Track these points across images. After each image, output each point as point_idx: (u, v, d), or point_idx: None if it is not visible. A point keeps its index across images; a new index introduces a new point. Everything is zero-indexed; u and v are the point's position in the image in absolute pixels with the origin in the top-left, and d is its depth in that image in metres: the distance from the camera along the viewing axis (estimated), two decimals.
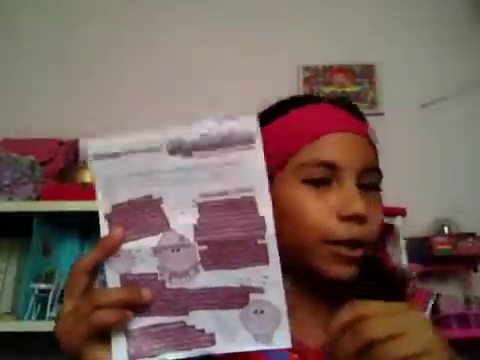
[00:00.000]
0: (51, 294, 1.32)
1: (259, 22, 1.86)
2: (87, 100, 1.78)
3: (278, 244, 0.51)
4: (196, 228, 0.46)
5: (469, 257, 1.50)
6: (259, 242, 0.46)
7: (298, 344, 0.58)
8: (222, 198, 0.46)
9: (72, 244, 1.50)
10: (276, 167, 0.60)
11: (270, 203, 0.46)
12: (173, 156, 0.47)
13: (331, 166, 0.58)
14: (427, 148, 1.75)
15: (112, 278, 0.47)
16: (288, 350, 0.54)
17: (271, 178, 0.57)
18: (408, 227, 1.46)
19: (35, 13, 1.89)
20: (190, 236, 0.46)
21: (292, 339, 0.52)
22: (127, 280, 0.46)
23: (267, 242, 0.46)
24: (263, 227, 0.46)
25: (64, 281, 1.39)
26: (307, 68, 1.83)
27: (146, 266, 0.46)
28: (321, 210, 0.57)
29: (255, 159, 0.46)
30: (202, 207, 0.46)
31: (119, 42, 1.84)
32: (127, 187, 0.47)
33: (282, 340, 0.46)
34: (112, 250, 0.46)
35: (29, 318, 1.29)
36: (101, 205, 0.47)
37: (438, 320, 1.40)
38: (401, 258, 1.36)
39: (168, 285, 0.46)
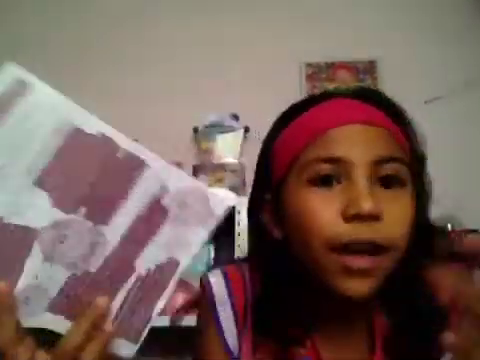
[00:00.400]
0: None
1: (261, 19, 1.85)
2: (87, 98, 1.78)
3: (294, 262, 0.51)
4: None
5: (472, 254, 1.50)
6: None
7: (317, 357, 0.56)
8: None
9: None
10: (283, 176, 0.56)
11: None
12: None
13: (337, 161, 0.52)
14: (430, 145, 1.74)
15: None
16: None
17: (279, 191, 0.56)
18: None
19: (36, 12, 1.89)
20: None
21: (317, 354, 0.52)
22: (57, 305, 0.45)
23: None
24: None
25: None
26: (309, 65, 1.83)
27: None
28: (326, 211, 0.51)
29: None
30: None
31: (119, 41, 1.84)
32: None
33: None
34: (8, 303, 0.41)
35: None
36: None
37: None
38: None
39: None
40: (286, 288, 0.57)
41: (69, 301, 0.44)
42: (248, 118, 1.67)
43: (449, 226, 1.61)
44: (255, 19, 1.85)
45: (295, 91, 1.74)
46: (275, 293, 0.57)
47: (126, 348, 0.47)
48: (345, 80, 1.82)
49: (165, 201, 0.46)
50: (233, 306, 0.60)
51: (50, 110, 0.46)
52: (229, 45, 1.83)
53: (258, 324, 0.58)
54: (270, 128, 0.63)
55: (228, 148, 1.58)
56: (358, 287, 0.49)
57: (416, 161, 0.58)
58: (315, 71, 1.82)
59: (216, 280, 0.62)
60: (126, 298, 0.46)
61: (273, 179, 0.58)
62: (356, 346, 0.57)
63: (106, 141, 0.45)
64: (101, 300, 0.43)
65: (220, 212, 0.48)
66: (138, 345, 0.47)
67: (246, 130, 1.65)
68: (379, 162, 0.52)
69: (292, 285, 0.57)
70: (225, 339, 0.59)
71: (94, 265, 0.45)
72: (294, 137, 0.56)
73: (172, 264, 0.47)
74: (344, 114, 0.55)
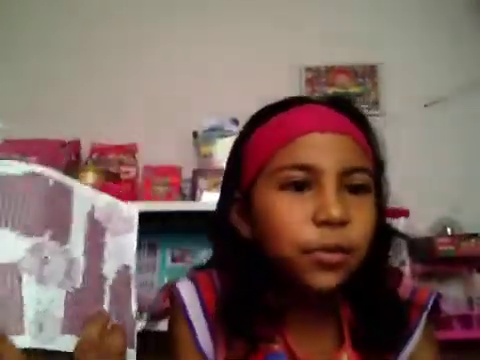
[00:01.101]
0: None
1: (261, 23, 1.86)
2: (89, 101, 1.78)
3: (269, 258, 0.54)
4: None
5: (472, 258, 1.50)
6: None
7: (291, 354, 0.59)
8: None
9: None
10: (254, 178, 0.58)
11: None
12: None
13: (307, 169, 0.54)
14: (430, 148, 1.74)
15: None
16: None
17: (249, 192, 0.59)
18: (411, 228, 1.46)
19: (38, 14, 1.89)
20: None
21: (289, 349, 0.55)
22: None
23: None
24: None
25: None
26: (309, 69, 1.83)
27: None
28: (296, 216, 0.53)
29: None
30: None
31: (120, 43, 1.84)
32: None
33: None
34: None
35: None
36: None
37: (440, 321, 1.39)
38: (404, 259, 1.36)
39: None
40: (255, 286, 0.59)
41: (74, 319, 0.45)
42: None
43: (449, 230, 1.61)
44: (255, 22, 1.86)
45: (295, 95, 1.74)
46: (244, 291, 0.59)
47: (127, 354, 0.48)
48: (345, 84, 1.82)
49: (97, 216, 0.50)
50: (204, 308, 0.62)
51: None
52: (228, 48, 1.83)
53: (229, 323, 0.59)
54: (242, 127, 0.65)
55: (228, 152, 1.58)
56: (327, 280, 0.53)
57: (377, 166, 0.61)
58: (315, 75, 1.82)
59: (184, 285, 0.64)
60: (110, 307, 0.49)
61: (243, 179, 0.60)
62: (326, 338, 0.61)
63: (36, 177, 0.47)
64: (102, 311, 0.47)
65: (135, 218, 0.54)
66: (135, 349, 0.50)
67: None
68: (347, 171, 0.55)
69: (261, 282, 0.59)
70: (198, 341, 0.61)
71: (77, 281, 0.47)
72: (266, 140, 0.58)
73: (126, 269, 0.52)
74: (315, 121, 0.57)
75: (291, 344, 0.59)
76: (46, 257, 0.44)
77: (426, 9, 1.87)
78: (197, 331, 0.61)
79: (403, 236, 0.64)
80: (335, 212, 0.51)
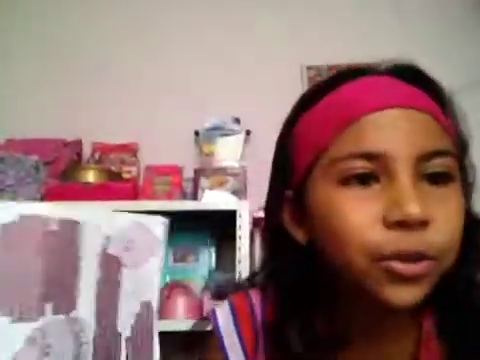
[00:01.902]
0: None
1: (262, 22, 1.86)
2: (90, 101, 1.78)
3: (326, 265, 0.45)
4: None
5: None
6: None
7: None
8: None
9: None
10: (307, 172, 0.48)
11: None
12: None
13: (375, 157, 0.43)
14: None
15: None
16: None
17: (303, 190, 0.48)
18: None
19: (38, 14, 1.89)
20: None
21: None
22: None
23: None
24: None
25: None
26: (311, 68, 1.83)
27: None
28: (363, 216, 0.43)
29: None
30: None
31: (121, 44, 1.84)
32: None
33: None
34: None
35: None
36: None
37: None
38: None
39: None
40: (312, 300, 0.50)
41: None
42: (249, 121, 1.67)
43: None
44: (256, 22, 1.85)
45: (296, 94, 1.73)
46: (298, 307, 0.50)
47: None
48: None
49: (112, 250, 0.43)
50: (240, 334, 0.55)
51: None
52: (230, 47, 1.83)
53: (277, 347, 0.51)
54: (290, 111, 0.54)
55: (229, 151, 1.58)
56: (407, 295, 0.42)
57: (460, 148, 0.49)
58: (316, 74, 1.82)
59: (222, 311, 0.57)
60: None
61: (295, 174, 0.50)
62: (396, 356, 0.50)
63: (31, 221, 0.39)
64: None
65: (160, 233, 0.45)
66: None
67: (247, 133, 1.65)
68: (426, 156, 0.43)
69: (319, 295, 0.50)
70: None
71: (87, 357, 0.41)
72: (320, 124, 0.47)
73: (147, 307, 0.45)
74: (382, 96, 0.46)
75: None
76: (47, 344, 0.38)
77: (427, 8, 1.87)
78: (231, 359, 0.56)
79: None
80: (413, 209, 0.40)
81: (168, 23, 1.86)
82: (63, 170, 1.49)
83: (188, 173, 1.61)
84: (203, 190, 1.48)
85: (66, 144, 1.63)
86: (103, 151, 1.66)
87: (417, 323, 0.50)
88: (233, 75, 1.79)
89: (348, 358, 0.50)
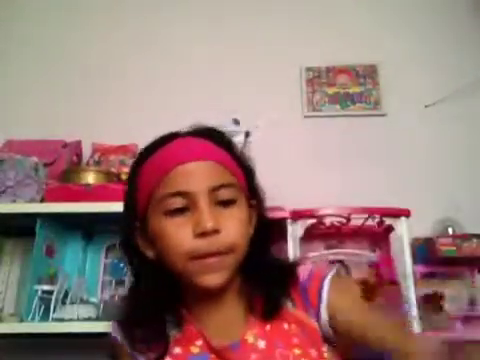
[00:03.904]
0: (54, 295, 1.32)
1: (261, 23, 1.86)
2: (90, 101, 1.78)
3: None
4: None
5: (473, 258, 1.49)
6: None
7: (209, 346, 0.69)
8: None
9: (76, 245, 1.50)
10: (145, 208, 0.69)
11: None
12: None
13: (184, 194, 0.66)
14: (431, 148, 1.74)
15: None
16: (206, 353, 0.68)
17: (145, 221, 0.69)
18: (412, 228, 1.46)
19: (38, 15, 1.89)
20: None
21: (207, 343, 0.66)
22: None
23: None
24: None
25: (67, 282, 1.40)
26: (310, 69, 1.83)
27: None
28: (182, 235, 0.65)
29: None
30: None
31: (121, 45, 1.85)
32: None
33: None
34: None
35: (32, 319, 1.29)
36: None
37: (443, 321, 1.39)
38: (405, 259, 1.36)
39: None
40: (164, 296, 0.70)
41: None
42: (249, 122, 1.67)
43: (450, 230, 1.61)
44: (256, 24, 1.86)
45: (295, 95, 1.75)
46: (155, 304, 0.70)
47: None
48: (345, 84, 1.82)
49: None
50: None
51: None
52: (229, 49, 1.83)
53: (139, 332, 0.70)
54: (132, 163, 0.75)
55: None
56: (213, 280, 0.65)
57: (248, 175, 0.73)
58: (315, 75, 1.82)
59: (114, 327, 0.74)
60: None
61: (139, 210, 0.71)
62: (234, 323, 0.71)
63: None
64: None
65: None
66: None
67: (247, 135, 1.65)
68: (215, 188, 0.67)
69: (169, 291, 0.71)
70: None
71: None
72: (149, 174, 0.69)
73: None
74: (186, 153, 0.69)
75: (208, 339, 0.69)
76: None
77: (427, 9, 1.87)
78: None
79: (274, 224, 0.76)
80: (207, 223, 0.64)
81: (168, 24, 1.87)
82: (63, 171, 1.49)
83: None
84: None
85: (66, 145, 1.63)
86: (103, 152, 1.66)
87: (245, 293, 0.73)
88: (233, 77, 1.80)
89: (205, 321, 0.71)
